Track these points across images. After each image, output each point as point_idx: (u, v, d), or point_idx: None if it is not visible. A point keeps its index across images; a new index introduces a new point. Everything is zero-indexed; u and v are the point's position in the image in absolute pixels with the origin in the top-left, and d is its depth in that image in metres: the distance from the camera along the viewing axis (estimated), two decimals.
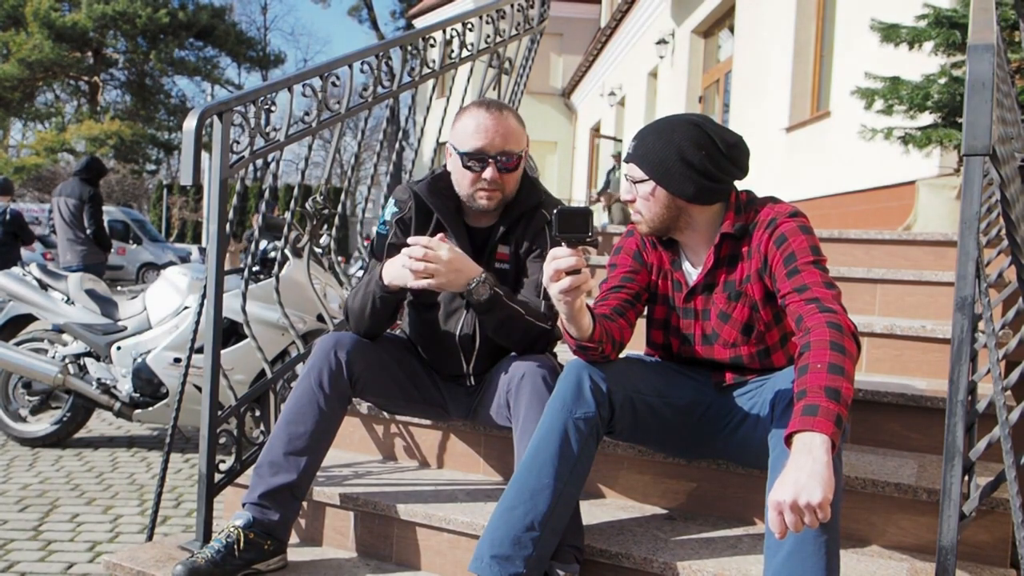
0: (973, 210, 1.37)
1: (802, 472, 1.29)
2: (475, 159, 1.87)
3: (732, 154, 1.70)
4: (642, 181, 1.72)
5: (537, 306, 1.88)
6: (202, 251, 16.39)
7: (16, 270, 4.17)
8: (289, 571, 1.87)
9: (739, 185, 1.78)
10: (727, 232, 1.71)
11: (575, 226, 1.47)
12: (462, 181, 1.92)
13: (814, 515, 1.27)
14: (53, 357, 3.90)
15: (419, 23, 20.82)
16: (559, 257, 1.47)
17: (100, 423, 4.54)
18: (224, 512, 2.22)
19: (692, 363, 1.85)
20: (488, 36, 3.11)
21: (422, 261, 1.73)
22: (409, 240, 1.78)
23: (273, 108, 2.19)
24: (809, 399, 1.37)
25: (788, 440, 1.37)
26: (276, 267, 2.42)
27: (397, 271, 1.80)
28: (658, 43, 12.46)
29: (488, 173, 1.87)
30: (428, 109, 3.13)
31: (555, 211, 1.49)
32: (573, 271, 1.46)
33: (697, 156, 1.67)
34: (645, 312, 1.89)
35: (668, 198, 1.70)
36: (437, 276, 1.74)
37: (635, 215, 1.76)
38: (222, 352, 2.12)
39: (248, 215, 20.42)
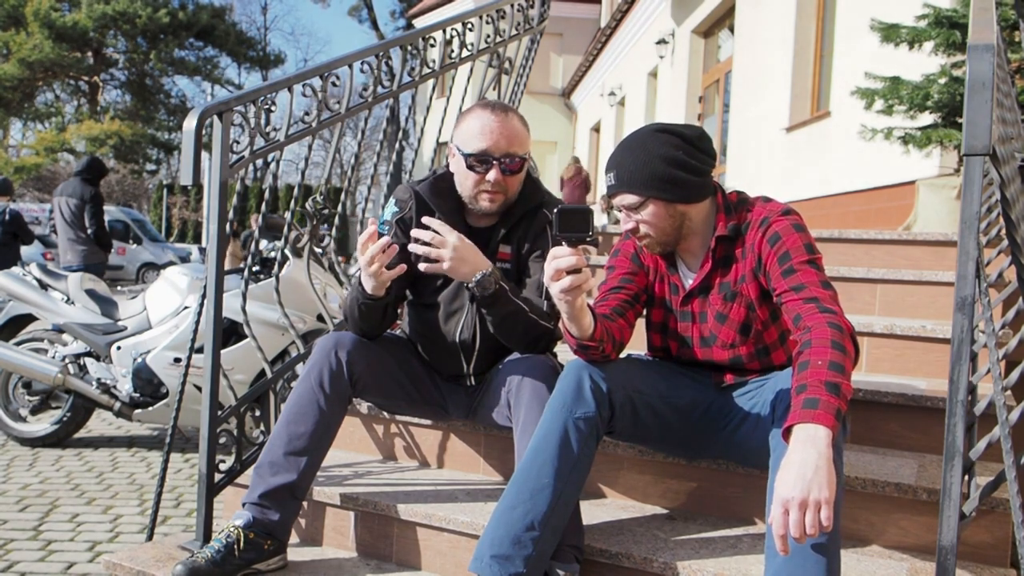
0: (973, 210, 1.37)
1: (807, 467, 1.29)
2: (479, 160, 1.86)
3: (702, 145, 1.70)
4: (639, 205, 1.69)
5: (539, 305, 1.88)
6: (202, 251, 16.39)
7: (16, 270, 4.17)
8: (289, 571, 1.87)
9: (729, 186, 1.78)
10: (722, 235, 1.71)
11: (575, 225, 1.48)
12: (465, 182, 1.91)
13: (817, 514, 1.27)
14: (53, 357, 3.90)
15: (419, 23, 20.82)
16: (559, 256, 1.47)
17: (100, 423, 4.54)
18: (224, 512, 2.22)
19: (692, 365, 1.85)
20: (488, 36, 3.11)
21: (428, 246, 1.75)
22: (420, 224, 1.77)
23: (273, 108, 2.19)
24: (810, 393, 1.37)
25: (787, 433, 1.37)
26: (276, 267, 2.42)
27: (366, 279, 1.80)
28: (658, 43, 12.47)
29: (492, 175, 1.86)
30: (428, 109, 3.13)
31: (555, 210, 1.49)
32: (573, 270, 1.47)
33: (677, 156, 1.66)
34: (644, 314, 1.89)
35: (669, 208, 1.69)
36: (444, 260, 1.76)
37: (643, 241, 1.74)
38: (222, 352, 2.12)
39: (248, 215, 20.42)
